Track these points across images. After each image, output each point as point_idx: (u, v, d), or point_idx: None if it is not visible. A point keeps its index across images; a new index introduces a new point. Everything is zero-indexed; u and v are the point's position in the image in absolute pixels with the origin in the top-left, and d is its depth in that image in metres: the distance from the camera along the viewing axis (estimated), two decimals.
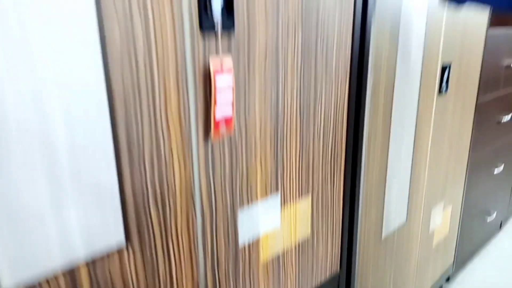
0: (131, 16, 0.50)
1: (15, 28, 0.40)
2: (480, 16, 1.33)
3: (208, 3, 0.56)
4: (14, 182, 0.43)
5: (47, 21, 0.42)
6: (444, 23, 1.14)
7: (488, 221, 1.99)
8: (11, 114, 0.42)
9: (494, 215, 2.04)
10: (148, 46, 0.52)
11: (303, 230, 0.85)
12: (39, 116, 0.44)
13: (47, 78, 0.44)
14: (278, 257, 0.81)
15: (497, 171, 1.92)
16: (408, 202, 1.22)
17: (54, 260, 0.48)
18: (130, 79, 0.51)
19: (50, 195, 0.46)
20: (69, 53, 0.45)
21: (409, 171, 1.18)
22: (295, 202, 0.81)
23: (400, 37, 0.96)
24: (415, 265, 1.38)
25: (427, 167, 1.27)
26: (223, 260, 0.69)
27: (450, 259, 1.68)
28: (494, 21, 1.99)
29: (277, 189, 0.76)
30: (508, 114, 1.88)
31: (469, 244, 1.88)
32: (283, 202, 0.78)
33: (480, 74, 1.50)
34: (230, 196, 0.68)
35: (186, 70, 0.57)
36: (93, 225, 0.51)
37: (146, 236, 0.57)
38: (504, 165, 2.01)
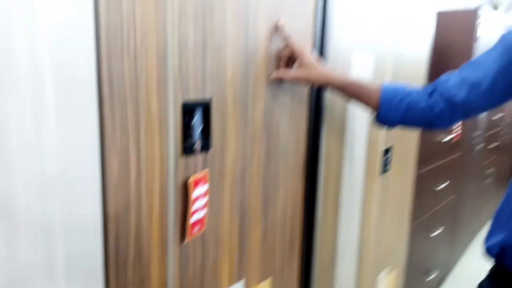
0: (128, 150, 0.60)
1: None
2: None
3: (190, 132, 0.68)
4: None
5: None
6: None
7: (429, 279, 2.16)
8: None
9: (435, 273, 2.22)
10: (138, 172, 0.62)
11: None
12: None
13: None
14: None
15: (437, 233, 2.12)
16: (357, 273, 1.35)
17: None
18: (122, 197, 0.61)
19: None
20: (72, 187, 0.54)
21: (357, 243, 1.32)
22: (258, 286, 0.91)
23: (347, 134, 1.13)
24: None
25: (373, 238, 1.42)
26: None
27: None
28: None
29: (241, 276, 0.86)
30: (444, 182, 2.11)
31: None
32: (247, 286, 0.88)
33: (418, 151, 1.71)
34: (198, 286, 0.77)
35: (167, 186, 0.67)
36: None
37: None
38: (444, 227, 2.22)
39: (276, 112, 0.87)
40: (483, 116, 2.74)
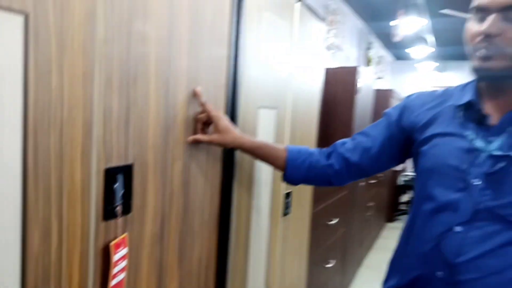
0: (50, 221, 0.60)
1: None
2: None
3: (111, 197, 0.70)
4: None
5: None
6: None
7: None
8: None
9: None
10: (59, 242, 0.62)
11: None
12: None
13: None
14: None
15: (330, 264, 2.33)
16: None
17: None
18: (42, 269, 0.60)
19: None
20: None
21: (264, 283, 1.41)
22: None
23: (254, 185, 1.23)
24: None
25: (278, 276, 1.52)
26: None
27: None
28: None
29: None
30: (335, 218, 2.35)
31: None
32: None
33: (313, 191, 1.90)
34: None
35: (88, 251, 0.67)
36: None
37: None
38: (336, 260, 2.45)
39: (193, 170, 0.93)
40: None
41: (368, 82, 3.05)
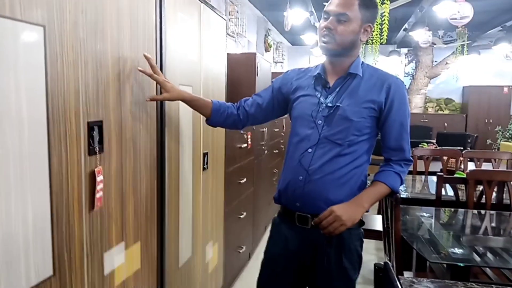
0: (61, 155, 0.97)
1: None
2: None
3: (92, 142, 1.08)
4: None
5: None
6: (202, 129, 1.92)
7: (241, 251, 2.87)
8: None
9: (244, 248, 2.95)
10: (67, 166, 1.00)
11: (136, 264, 1.36)
12: None
13: None
14: (124, 282, 1.29)
15: (242, 216, 2.85)
16: (192, 241, 1.87)
17: None
18: (59, 181, 0.97)
19: None
20: None
21: (191, 221, 1.85)
22: (132, 245, 1.33)
23: (181, 139, 1.66)
24: (200, 286, 2.01)
25: (201, 217, 1.98)
26: (96, 283, 1.14)
27: (221, 281, 2.41)
28: None
29: (123, 239, 1.27)
30: (244, 178, 2.86)
31: (231, 270, 2.68)
32: (126, 247, 1.29)
33: (225, 154, 2.38)
34: (99, 243, 1.15)
35: (81, 174, 1.05)
36: None
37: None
38: (246, 212, 2.98)
39: (139, 127, 1.34)
40: (267, 130, 3.71)
41: (266, 65, 3.60)
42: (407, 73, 8.94)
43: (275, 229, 1.51)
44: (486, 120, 8.14)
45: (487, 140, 7.06)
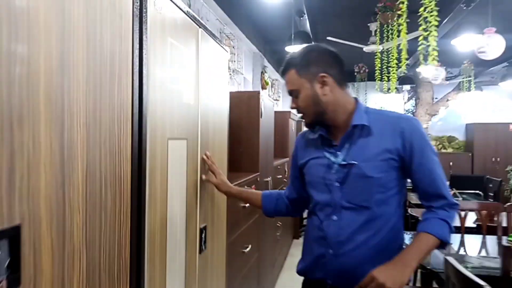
0: None
1: None
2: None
3: None
4: None
5: None
6: (199, 196, 1.39)
7: None
8: None
9: None
10: None
11: None
12: None
13: None
14: None
15: None
16: None
17: None
18: None
19: None
20: None
21: None
22: None
23: (168, 209, 1.12)
24: None
25: None
26: None
27: None
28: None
29: None
30: (248, 245, 2.30)
31: None
32: None
33: (227, 223, 1.83)
34: None
35: None
36: None
37: None
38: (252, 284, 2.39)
39: (99, 221, 0.80)
40: (271, 179, 3.19)
41: (269, 104, 3.13)
42: (407, 110, 8.61)
43: None
44: (493, 159, 7.70)
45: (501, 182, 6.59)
